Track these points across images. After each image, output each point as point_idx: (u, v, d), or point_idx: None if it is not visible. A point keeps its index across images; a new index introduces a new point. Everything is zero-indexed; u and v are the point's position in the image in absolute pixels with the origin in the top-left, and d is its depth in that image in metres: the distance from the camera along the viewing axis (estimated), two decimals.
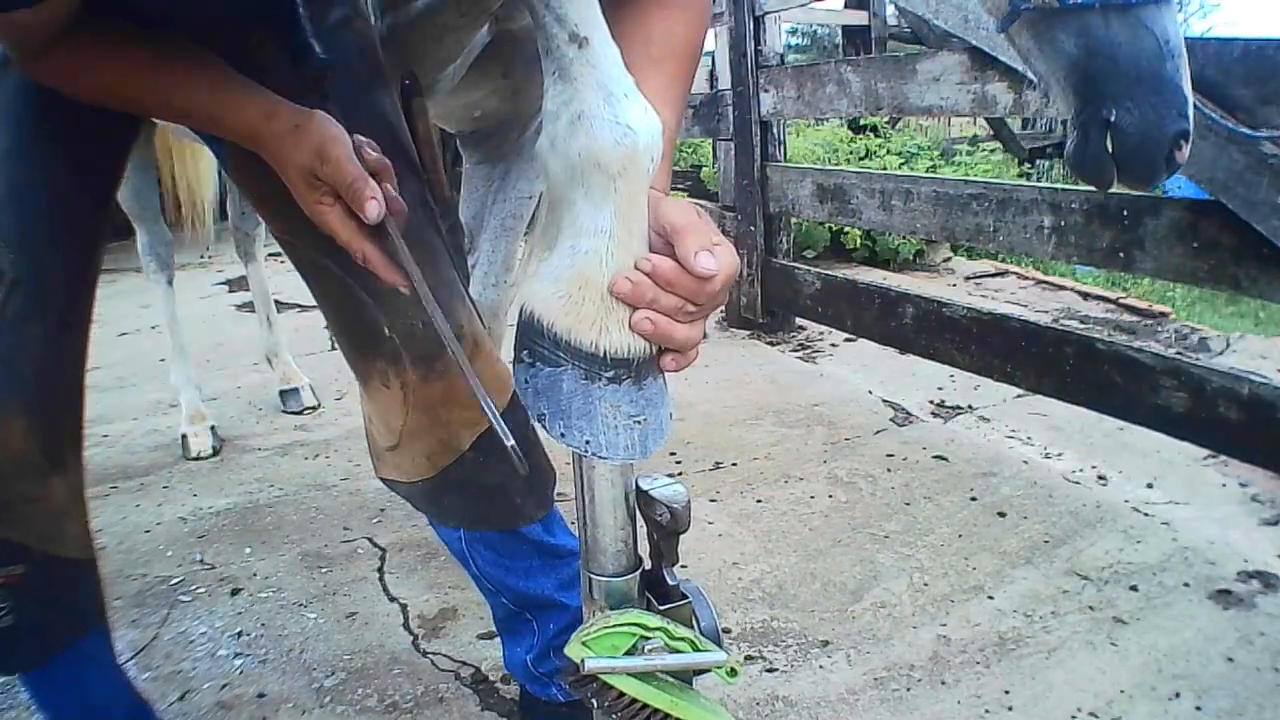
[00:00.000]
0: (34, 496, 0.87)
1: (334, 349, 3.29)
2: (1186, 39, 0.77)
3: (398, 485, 1.04)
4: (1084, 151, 0.70)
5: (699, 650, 0.65)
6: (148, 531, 1.96)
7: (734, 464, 2.17)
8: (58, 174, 0.88)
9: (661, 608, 0.69)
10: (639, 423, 0.64)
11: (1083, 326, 3.18)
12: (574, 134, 0.62)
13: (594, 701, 0.65)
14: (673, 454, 2.19)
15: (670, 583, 0.70)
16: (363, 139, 0.76)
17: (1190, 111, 0.68)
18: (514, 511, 1.03)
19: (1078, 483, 2.01)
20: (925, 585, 1.62)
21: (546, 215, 0.68)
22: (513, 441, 0.64)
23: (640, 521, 0.70)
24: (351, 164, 0.72)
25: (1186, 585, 1.58)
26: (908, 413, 2.47)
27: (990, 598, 1.58)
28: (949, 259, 4.64)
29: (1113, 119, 0.67)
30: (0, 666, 0.99)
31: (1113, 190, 1.08)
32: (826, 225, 4.27)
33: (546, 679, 1.13)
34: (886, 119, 5.33)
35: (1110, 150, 0.69)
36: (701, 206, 3.50)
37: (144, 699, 1.10)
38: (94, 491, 2.16)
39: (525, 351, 0.65)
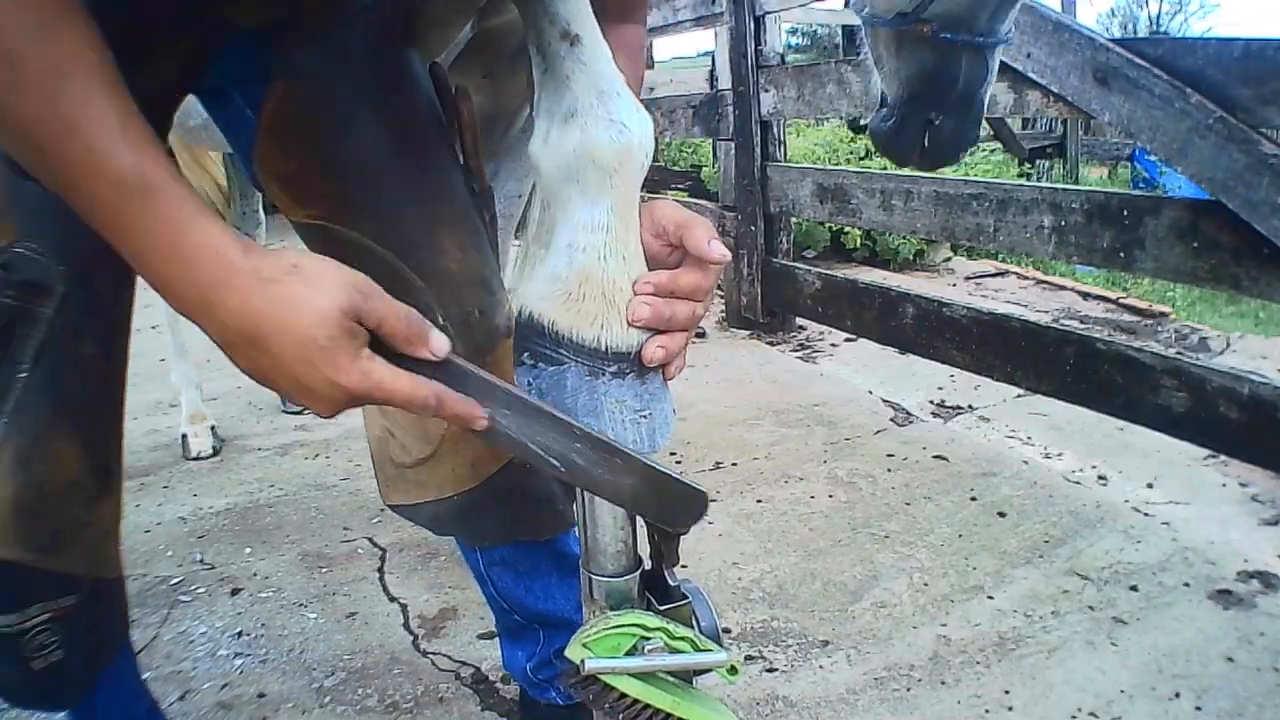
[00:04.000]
0: (85, 521, 0.81)
1: None
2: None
3: (421, 507, 0.96)
4: (898, 134, 0.84)
5: (699, 650, 0.65)
6: (148, 531, 1.96)
7: (734, 464, 2.17)
8: None
9: (661, 608, 0.69)
10: (645, 417, 0.64)
11: (1083, 326, 3.18)
12: (568, 132, 0.62)
13: (595, 703, 0.65)
14: (673, 454, 2.19)
15: (670, 583, 0.70)
16: None
17: (981, 125, 0.87)
18: (557, 518, 0.99)
19: (1078, 483, 2.01)
20: (925, 585, 1.62)
21: (539, 214, 0.67)
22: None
23: (640, 522, 0.70)
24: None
25: (1186, 585, 1.58)
26: (908, 413, 2.47)
27: (990, 598, 1.58)
28: (949, 259, 4.64)
29: (936, 122, 0.82)
30: (50, 704, 0.92)
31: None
32: (826, 225, 4.27)
33: (546, 684, 1.13)
34: None
35: (923, 142, 0.84)
36: (701, 206, 3.50)
37: (154, 701, 1.10)
38: None
39: (525, 353, 0.65)
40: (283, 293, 0.53)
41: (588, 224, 0.62)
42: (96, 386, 0.80)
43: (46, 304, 0.73)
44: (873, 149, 4.86)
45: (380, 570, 1.76)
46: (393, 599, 1.65)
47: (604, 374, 0.63)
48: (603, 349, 0.63)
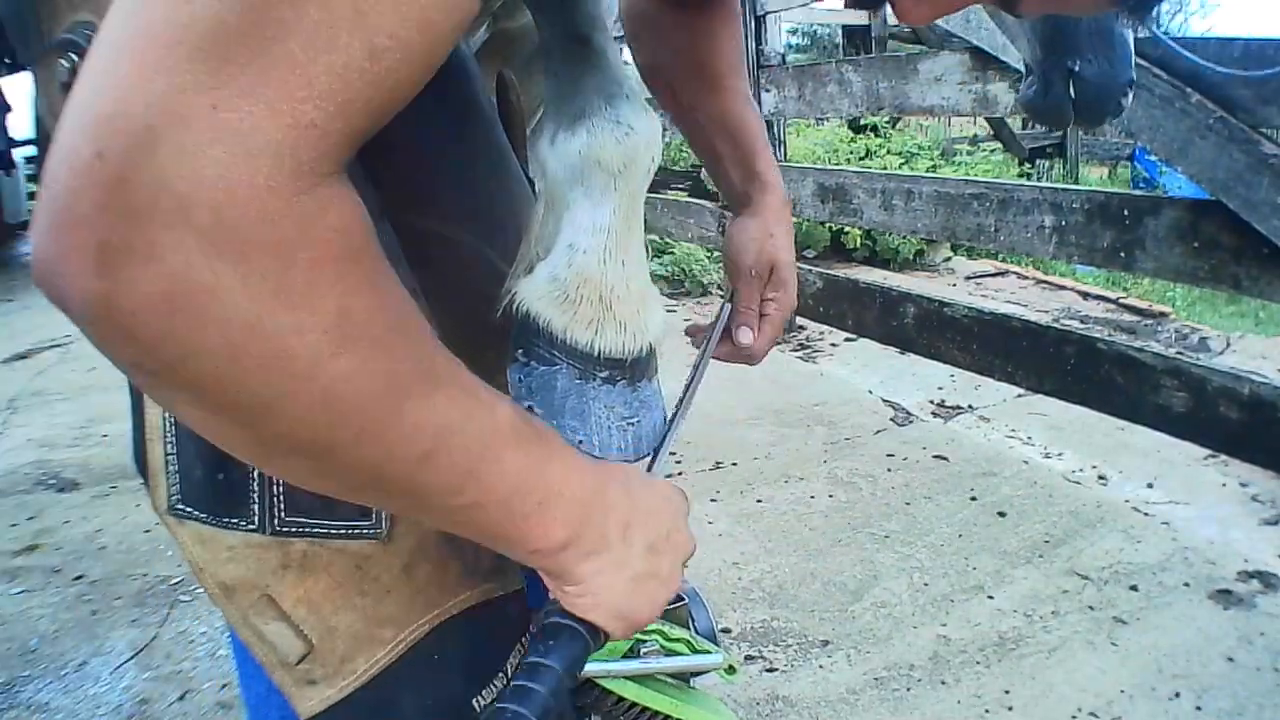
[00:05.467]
0: None
1: None
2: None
3: None
4: (1045, 96, 0.77)
5: (696, 651, 0.65)
6: (148, 531, 1.96)
7: (734, 464, 2.17)
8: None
9: None
10: (632, 424, 0.64)
11: (1083, 326, 3.18)
12: (574, 132, 0.61)
13: (593, 707, 0.65)
14: (673, 454, 2.18)
15: None
16: None
17: (1133, 63, 0.77)
18: None
19: (1078, 483, 2.01)
20: (925, 585, 1.62)
21: (543, 213, 0.67)
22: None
23: None
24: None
25: (1186, 585, 1.58)
26: (908, 413, 2.47)
27: (990, 598, 1.58)
28: (949, 259, 4.64)
29: (1075, 69, 0.74)
30: None
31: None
32: (827, 225, 4.27)
33: None
34: (887, 119, 5.33)
35: (1070, 96, 0.77)
36: (702, 206, 3.50)
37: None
38: (94, 491, 2.18)
39: (520, 350, 0.65)
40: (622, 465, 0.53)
41: (590, 226, 0.62)
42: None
43: None
44: (873, 148, 4.87)
45: None
46: None
47: (595, 378, 0.63)
48: (595, 354, 0.63)
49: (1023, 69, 0.81)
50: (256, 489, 0.52)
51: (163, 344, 0.31)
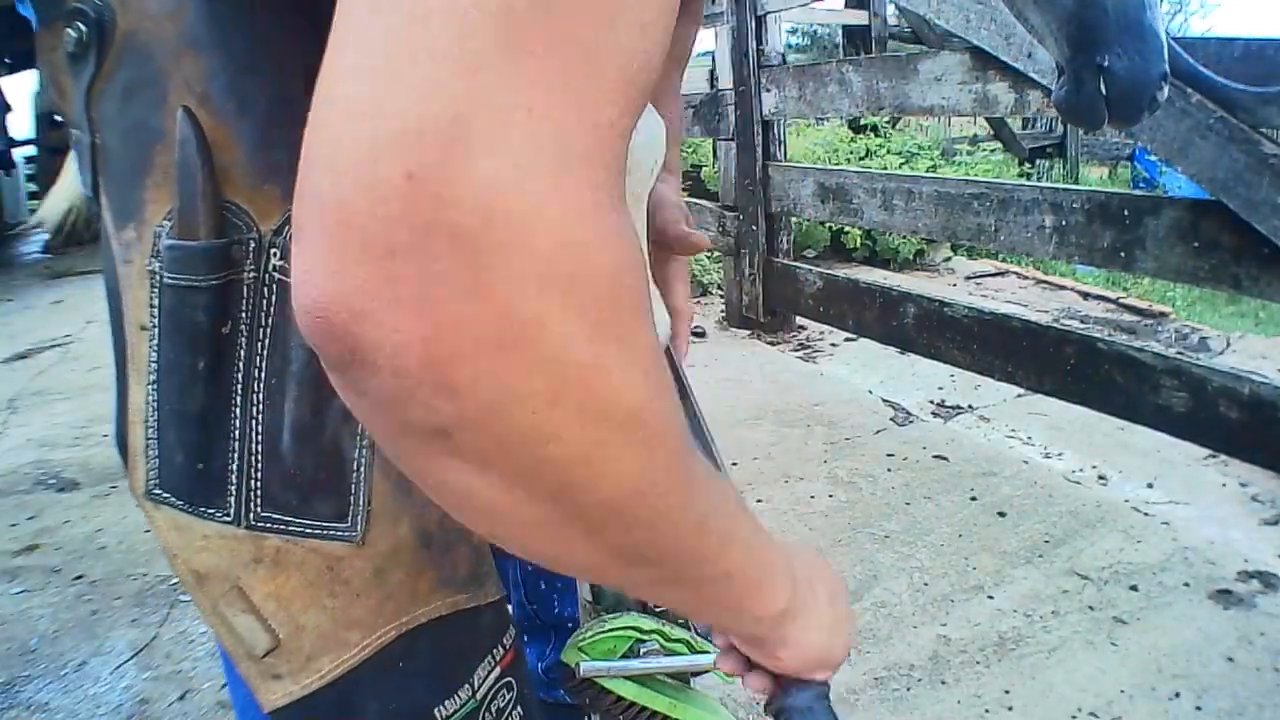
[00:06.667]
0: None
1: None
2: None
3: None
4: (1077, 95, 0.75)
5: (695, 651, 0.65)
6: (148, 531, 1.96)
7: (734, 464, 2.17)
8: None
9: (657, 610, 0.69)
10: None
11: (1083, 326, 3.18)
12: None
13: (592, 706, 0.65)
14: None
15: None
16: None
17: (1166, 54, 0.74)
18: None
19: (1078, 483, 2.01)
20: (925, 585, 1.62)
21: None
22: None
23: None
24: None
25: (1186, 585, 1.58)
26: (908, 412, 2.47)
27: (990, 598, 1.58)
28: (949, 259, 4.64)
29: (1105, 64, 0.72)
30: None
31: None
32: (827, 225, 4.27)
33: (555, 683, 1.14)
34: (887, 119, 5.33)
35: (1103, 92, 0.74)
36: (702, 206, 3.50)
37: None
38: (94, 491, 2.17)
39: None
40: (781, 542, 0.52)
41: None
42: None
43: None
44: (873, 148, 4.87)
45: None
46: None
47: None
48: None
49: (1056, 71, 0.81)
50: (235, 481, 0.51)
51: (477, 391, 0.26)
